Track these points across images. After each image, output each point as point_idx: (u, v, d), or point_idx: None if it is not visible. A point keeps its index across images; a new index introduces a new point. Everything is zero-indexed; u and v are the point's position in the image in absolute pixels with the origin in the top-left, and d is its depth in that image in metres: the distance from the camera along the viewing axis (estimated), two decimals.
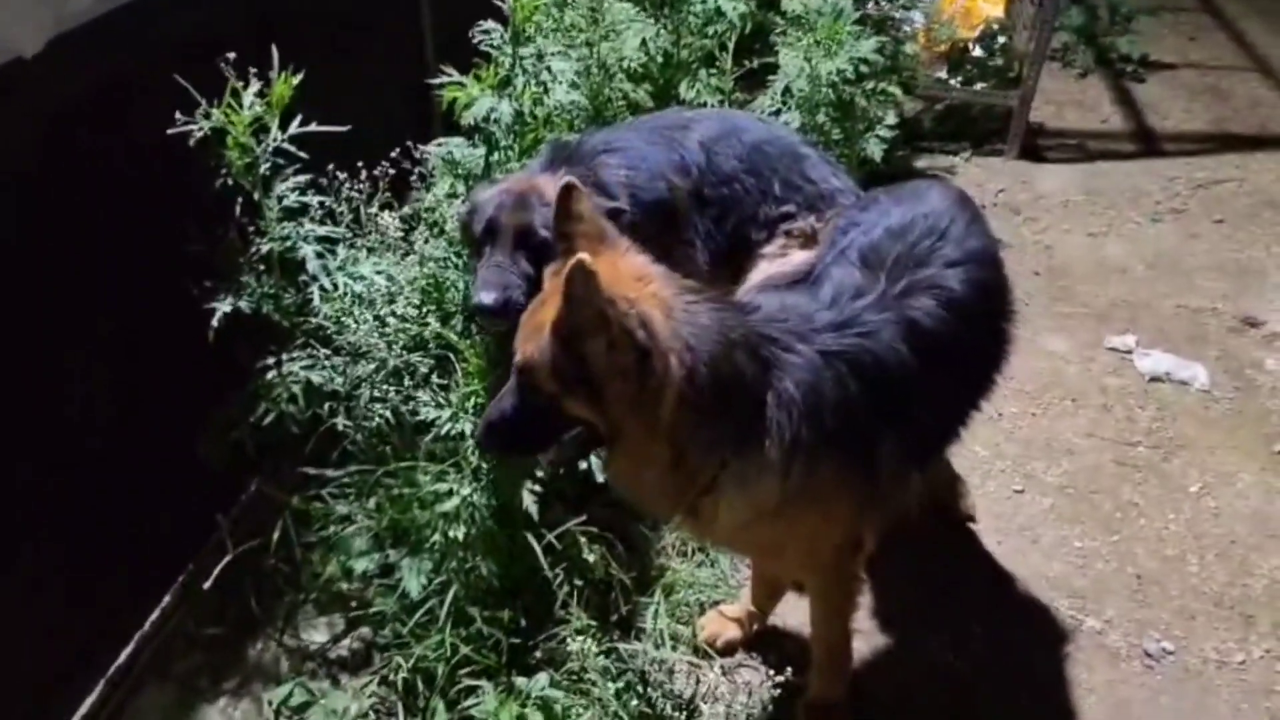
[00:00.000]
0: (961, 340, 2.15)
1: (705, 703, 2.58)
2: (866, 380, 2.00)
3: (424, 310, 2.56)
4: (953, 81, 5.13)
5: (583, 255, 1.64)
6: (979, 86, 5.10)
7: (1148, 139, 5.29)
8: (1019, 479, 3.30)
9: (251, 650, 2.62)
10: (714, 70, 4.23)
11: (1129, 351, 3.81)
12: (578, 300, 1.67)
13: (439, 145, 3.00)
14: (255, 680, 2.56)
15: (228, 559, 2.49)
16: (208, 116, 2.17)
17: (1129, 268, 4.29)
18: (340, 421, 2.57)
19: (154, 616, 2.56)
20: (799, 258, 3.03)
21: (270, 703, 2.47)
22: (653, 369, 1.77)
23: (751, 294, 2.20)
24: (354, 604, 2.64)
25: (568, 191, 1.87)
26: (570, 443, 1.93)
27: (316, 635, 2.67)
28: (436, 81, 3.03)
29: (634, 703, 2.41)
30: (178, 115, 2.13)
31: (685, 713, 2.47)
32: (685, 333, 1.80)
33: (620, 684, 2.44)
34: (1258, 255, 4.37)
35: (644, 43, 3.94)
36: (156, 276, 2.39)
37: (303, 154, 2.30)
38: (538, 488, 2.48)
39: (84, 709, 2.37)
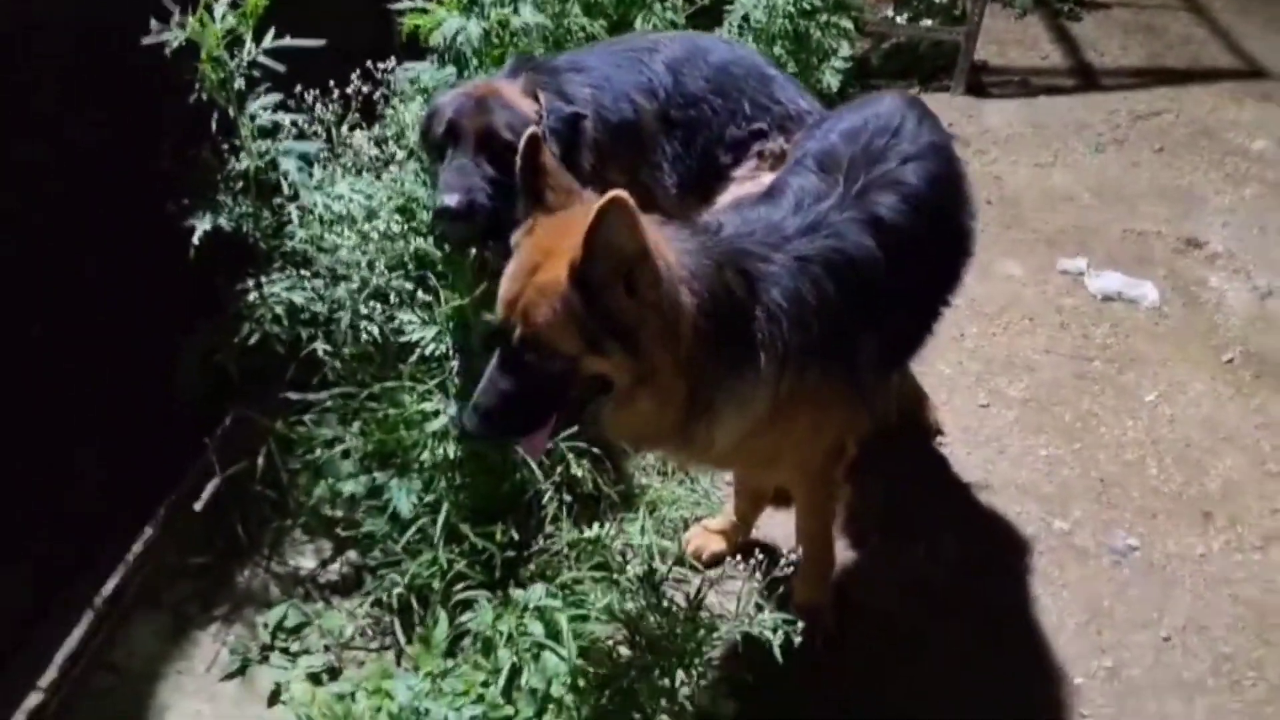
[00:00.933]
0: (925, 233, 2.18)
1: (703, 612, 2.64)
2: (842, 281, 2.01)
3: (404, 229, 2.53)
4: (899, 19, 5.18)
5: (619, 192, 1.58)
6: (925, 23, 5.16)
7: (1087, 74, 5.42)
8: (984, 394, 3.40)
9: (240, 577, 2.60)
10: (666, 4, 4.23)
11: (1081, 273, 3.92)
12: (612, 242, 1.62)
13: (405, 69, 2.96)
14: (246, 606, 2.54)
15: (217, 481, 2.46)
16: (182, 27, 2.11)
17: (1076, 195, 4.40)
18: (320, 345, 2.54)
19: (138, 547, 2.51)
20: (768, 179, 3.06)
21: (265, 625, 2.46)
22: (676, 303, 1.75)
23: (714, 214, 2.16)
24: (341, 528, 2.62)
25: (533, 143, 1.78)
26: (580, 405, 1.85)
27: (304, 560, 2.66)
28: (399, 5, 2.99)
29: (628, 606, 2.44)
30: (153, 24, 2.07)
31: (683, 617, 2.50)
32: (686, 263, 1.79)
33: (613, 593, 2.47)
34: (1196, 181, 4.52)
35: None
36: (129, 196, 2.33)
37: (279, 66, 2.25)
38: None
39: (74, 639, 2.33)
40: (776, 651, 1.84)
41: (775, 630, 1.83)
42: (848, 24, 4.28)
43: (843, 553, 2.81)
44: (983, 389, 3.42)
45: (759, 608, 1.87)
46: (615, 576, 2.49)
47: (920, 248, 2.18)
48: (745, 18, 3.93)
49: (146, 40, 2.07)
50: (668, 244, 1.78)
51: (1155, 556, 2.89)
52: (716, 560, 2.79)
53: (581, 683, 2.13)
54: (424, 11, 3.18)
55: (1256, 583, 2.82)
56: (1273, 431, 3.27)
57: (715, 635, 1.92)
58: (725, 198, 3.05)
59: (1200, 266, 4.00)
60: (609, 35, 3.94)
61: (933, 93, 5.15)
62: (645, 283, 1.68)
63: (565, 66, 2.88)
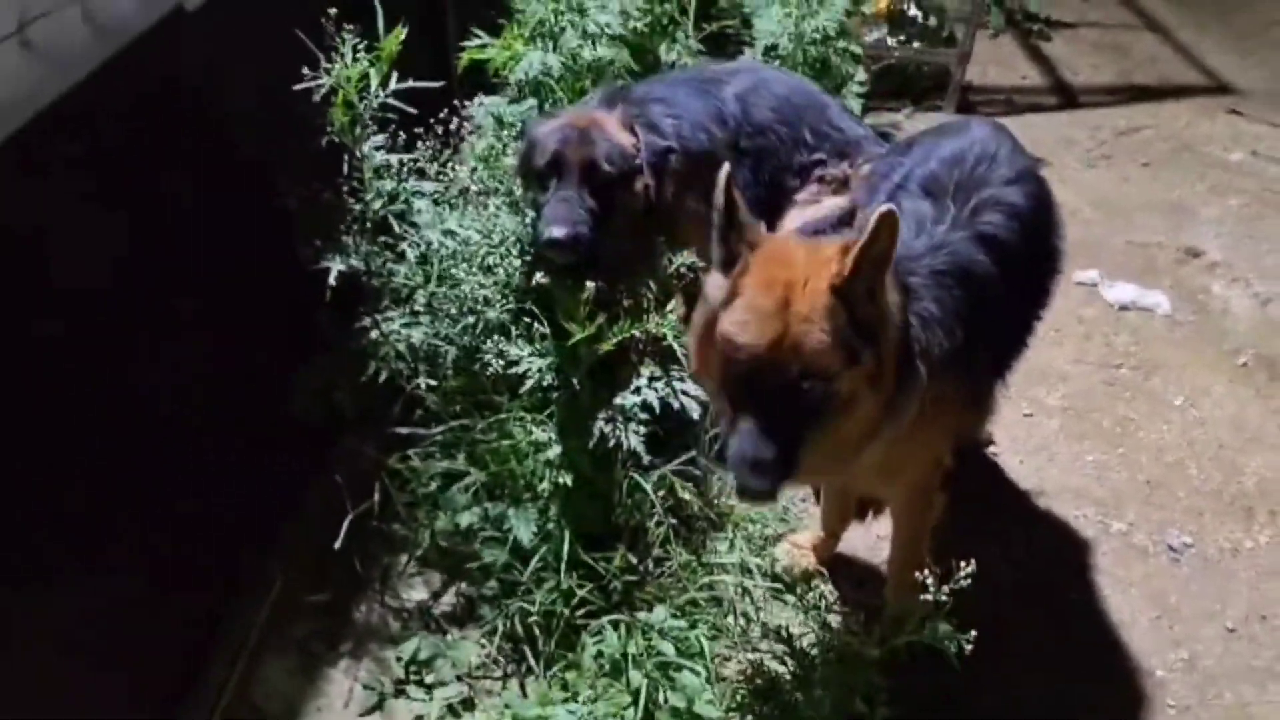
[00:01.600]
0: (1027, 250, 2.34)
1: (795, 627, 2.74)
2: (967, 293, 2.15)
3: (520, 261, 2.59)
4: (893, 42, 5.37)
5: (890, 206, 1.70)
6: (916, 45, 5.36)
7: (1066, 92, 5.68)
8: (1026, 404, 3.56)
9: (358, 613, 2.62)
10: (684, 32, 4.34)
11: (1095, 284, 4.13)
12: (879, 254, 1.74)
13: (480, 103, 3.02)
14: (369, 641, 2.57)
15: (350, 518, 2.47)
16: (328, 73, 2.15)
17: (1077, 209, 4.61)
18: (424, 380, 2.58)
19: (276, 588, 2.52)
20: (831, 202, 3.19)
21: (398, 659, 2.48)
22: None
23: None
24: (453, 559, 2.66)
25: (729, 184, 1.85)
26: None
27: (416, 593, 2.69)
28: (476, 43, 3.05)
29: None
30: (305, 70, 2.11)
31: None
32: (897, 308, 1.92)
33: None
34: (1184, 194, 4.77)
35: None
36: (251, 237, 2.35)
37: (411, 109, 2.30)
38: (642, 429, 2.56)
39: (212, 686, 2.33)
40: (953, 661, 1.93)
41: (950, 640, 1.93)
42: (858, 49, 4.44)
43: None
44: (1024, 399, 3.58)
45: (930, 617, 1.96)
46: (733, 595, 2.60)
47: (1024, 263, 2.35)
48: (771, 47, 4.06)
49: (299, 86, 2.10)
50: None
51: (1209, 552, 3.07)
52: (807, 575, 2.89)
53: (734, 698, 2.21)
54: (483, 46, 3.27)
55: None
56: None
57: (888, 646, 2.01)
58: (789, 221, 3.18)
59: (1202, 275, 4.24)
60: (636, 64, 4.04)
61: (925, 112, 5.35)
62: (882, 287, 1.82)
63: (648, 97, 2.97)
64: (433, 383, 2.60)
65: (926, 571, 1.95)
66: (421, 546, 2.63)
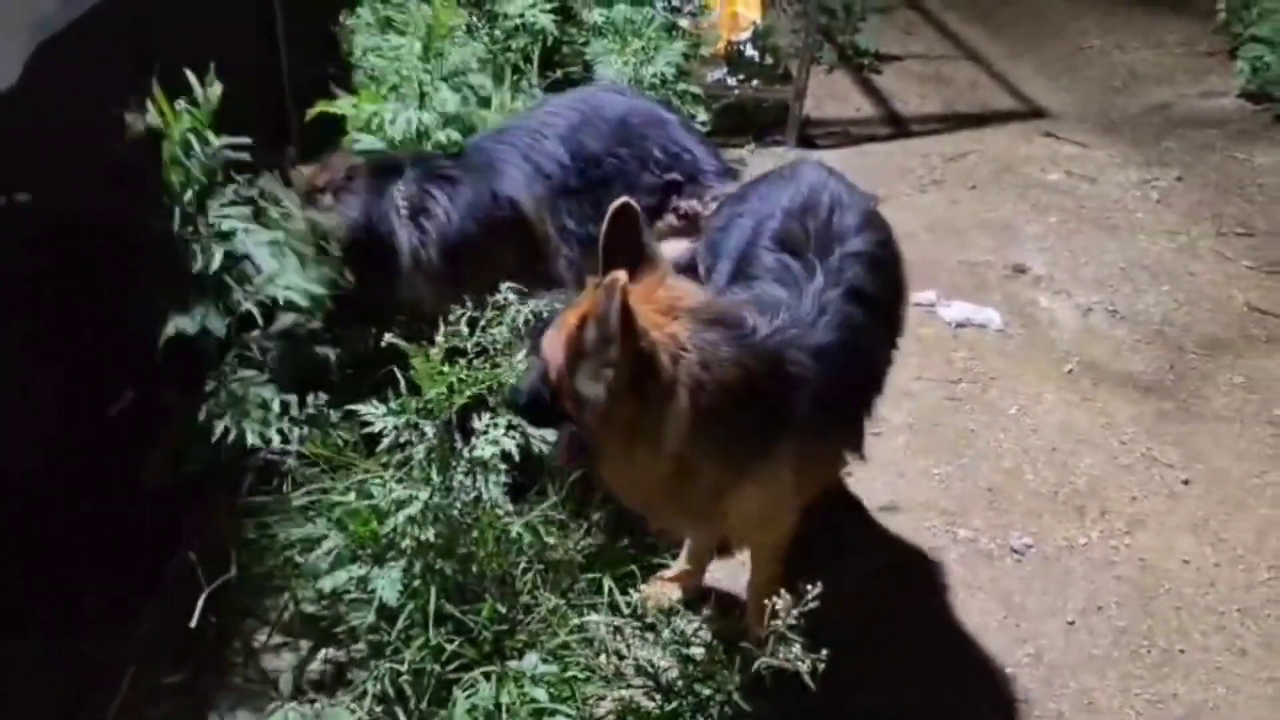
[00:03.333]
0: (885, 293, 2.47)
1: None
2: (853, 356, 2.27)
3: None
4: (731, 81, 5.57)
5: (619, 274, 1.80)
6: (755, 83, 5.57)
7: (897, 122, 5.99)
8: (874, 423, 3.72)
9: (220, 690, 2.55)
10: (523, 80, 4.42)
11: (932, 304, 4.36)
12: (600, 314, 1.85)
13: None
14: (233, 717, 2.50)
15: (205, 594, 2.41)
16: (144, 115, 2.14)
17: (913, 233, 4.86)
18: (275, 440, 2.56)
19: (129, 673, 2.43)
20: (680, 246, 3.27)
21: None
22: (650, 397, 1.97)
23: (745, 301, 2.29)
24: (319, 625, 2.62)
25: (621, 212, 2.00)
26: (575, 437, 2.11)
27: (281, 663, 2.63)
28: (327, 100, 3.06)
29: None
30: (127, 116, 2.09)
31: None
32: (697, 369, 1.99)
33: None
34: (1009, 213, 5.09)
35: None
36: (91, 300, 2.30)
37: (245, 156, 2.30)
38: (504, 479, 2.58)
39: None
40: (809, 680, 2.02)
41: (803, 660, 2.02)
42: (698, 90, 4.60)
43: None
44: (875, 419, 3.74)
45: (784, 640, 2.05)
46: (603, 634, 2.64)
47: (884, 306, 2.48)
48: None
49: (127, 133, 2.08)
50: (681, 350, 1.99)
51: (1048, 551, 3.27)
52: (673, 610, 2.94)
53: None
54: (332, 99, 3.29)
55: (1132, 563, 3.25)
56: (1117, 430, 3.76)
57: (748, 671, 2.08)
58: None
59: (1029, 289, 4.53)
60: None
61: (768, 147, 5.57)
62: (617, 367, 1.92)
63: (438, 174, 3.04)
64: (287, 446, 2.57)
65: (776, 597, 2.03)
66: (285, 614, 2.58)
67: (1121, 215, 5.11)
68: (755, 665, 2.07)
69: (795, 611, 1.97)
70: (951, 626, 3.03)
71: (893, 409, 3.79)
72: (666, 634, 2.59)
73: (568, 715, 2.40)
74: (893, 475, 3.53)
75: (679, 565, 2.98)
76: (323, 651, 2.65)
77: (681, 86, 4.44)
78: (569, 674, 2.50)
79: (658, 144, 3.18)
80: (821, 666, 2.04)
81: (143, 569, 2.58)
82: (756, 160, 5.39)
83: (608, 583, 2.85)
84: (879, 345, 2.44)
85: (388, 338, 2.54)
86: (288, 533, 2.55)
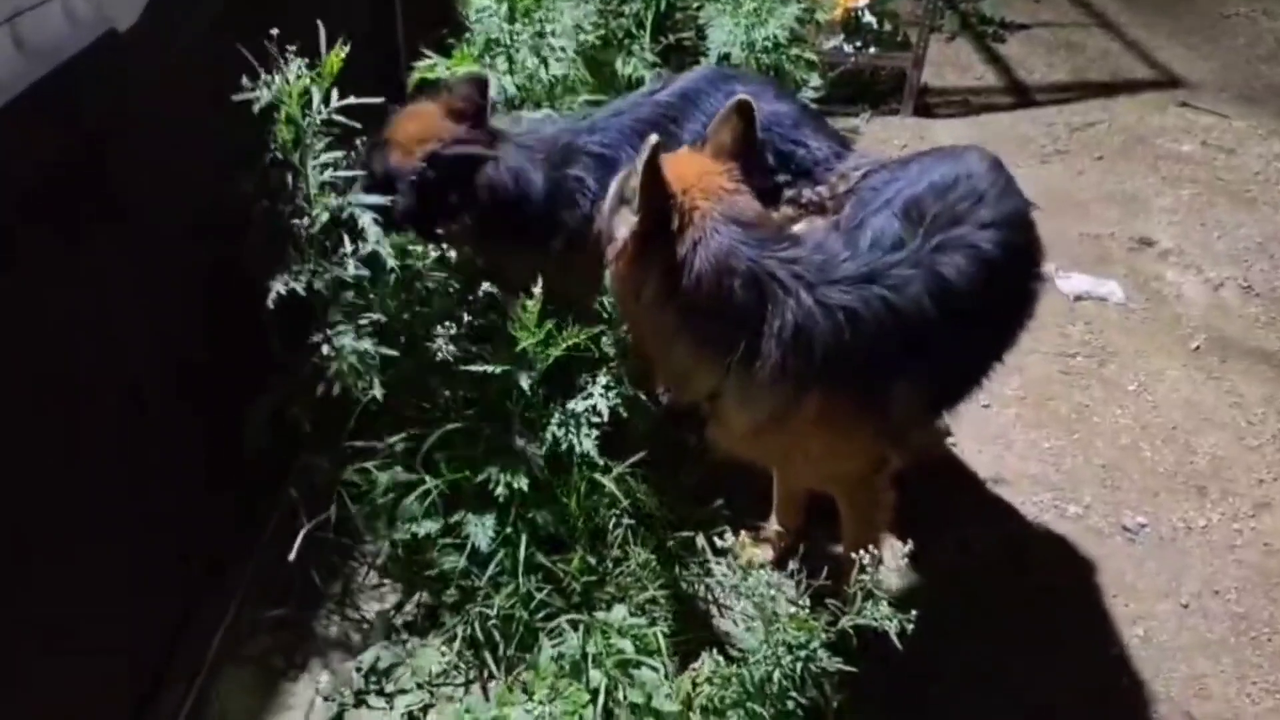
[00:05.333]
0: (989, 297, 2.31)
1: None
2: (876, 328, 2.15)
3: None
4: (848, 48, 5.45)
5: (653, 136, 1.98)
6: (872, 50, 5.44)
7: (1021, 91, 5.75)
8: (983, 395, 3.60)
9: (318, 627, 2.64)
10: (640, 46, 4.40)
11: (1051, 277, 4.19)
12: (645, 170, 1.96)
13: None
14: (329, 654, 2.59)
15: (305, 531, 2.50)
16: (268, 86, 2.19)
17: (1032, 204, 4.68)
18: (377, 391, 2.61)
19: (218, 605, 2.54)
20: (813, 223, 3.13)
21: (359, 669, 2.51)
22: (656, 251, 2.06)
23: (803, 230, 2.33)
24: (413, 569, 2.69)
25: (743, 106, 2.14)
26: None
27: (377, 605, 2.71)
28: (427, 63, 3.10)
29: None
30: (244, 80, 2.16)
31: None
32: (691, 244, 2.05)
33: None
34: (1138, 185, 4.85)
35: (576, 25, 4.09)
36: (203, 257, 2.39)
37: (356, 124, 2.34)
38: (595, 432, 2.59)
39: (168, 704, 2.35)
40: (895, 640, 1.97)
41: (891, 620, 1.97)
42: (812, 56, 4.51)
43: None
44: (982, 391, 3.62)
45: (872, 598, 2.00)
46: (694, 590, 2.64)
47: (983, 310, 2.32)
48: (724, 56, 4.12)
49: (237, 97, 2.15)
50: (711, 219, 2.07)
51: (1164, 531, 3.12)
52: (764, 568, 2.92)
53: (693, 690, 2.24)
54: (433, 66, 3.33)
55: (1255, 547, 3.08)
56: (1246, 410, 3.56)
57: (834, 628, 2.04)
58: None
59: (1155, 263, 4.31)
60: (591, 78, 4.06)
61: (883, 116, 5.42)
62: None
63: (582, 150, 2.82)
64: (383, 393, 2.62)
65: (864, 551, 1.99)
66: (380, 557, 2.65)
67: (1260, 188, 4.81)
68: (840, 623, 2.02)
69: (887, 567, 1.90)
70: (1054, 602, 2.92)
71: (1003, 381, 3.66)
72: (753, 585, 2.55)
73: (653, 668, 2.40)
74: (1000, 448, 3.41)
75: (771, 526, 2.95)
76: (416, 595, 2.71)
77: (795, 52, 4.35)
78: (656, 628, 2.49)
79: (773, 147, 2.93)
80: (910, 627, 1.98)
81: (248, 514, 2.67)
82: (870, 129, 5.28)
83: (700, 541, 2.84)
84: (954, 344, 2.28)
85: (485, 286, 2.58)
86: (389, 477, 2.60)
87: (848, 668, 2.07)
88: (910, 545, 2.08)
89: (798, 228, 2.90)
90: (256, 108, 2.18)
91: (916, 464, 2.73)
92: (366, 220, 2.36)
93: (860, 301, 2.15)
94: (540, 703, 2.28)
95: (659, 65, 4.29)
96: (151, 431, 2.30)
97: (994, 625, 2.84)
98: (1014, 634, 2.82)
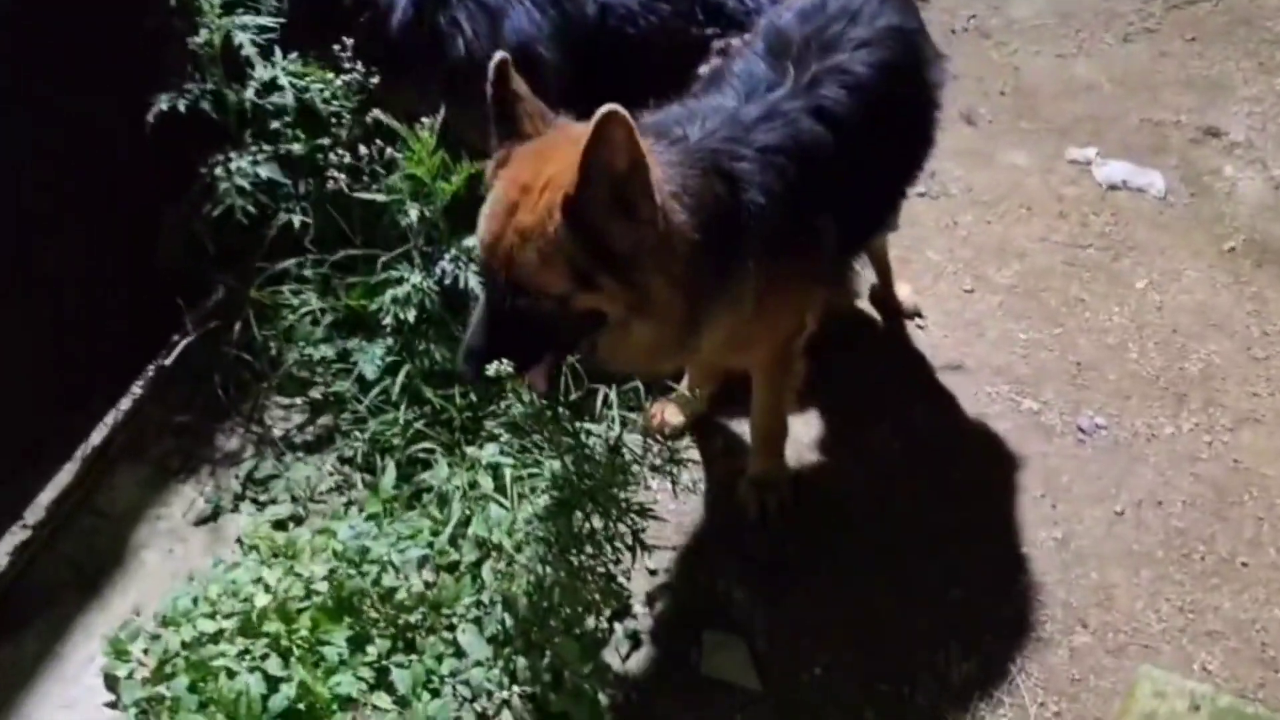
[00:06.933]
0: (875, 123, 2.14)
1: (653, 477, 2.73)
2: (801, 168, 2.02)
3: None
4: None
5: (614, 106, 1.54)
6: None
7: None
8: (969, 279, 3.38)
9: (220, 436, 2.76)
10: None
11: (1089, 163, 3.84)
12: (611, 162, 1.60)
13: None
14: (224, 463, 2.72)
15: (188, 339, 2.61)
16: None
17: (1096, 85, 4.27)
18: (292, 217, 2.65)
19: (126, 403, 2.69)
20: None
21: (237, 476, 2.63)
22: (670, 220, 1.74)
23: (666, 114, 2.05)
24: (310, 390, 2.77)
25: (502, 69, 1.76)
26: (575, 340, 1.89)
27: (282, 423, 2.81)
28: None
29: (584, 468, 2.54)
30: None
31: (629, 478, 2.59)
32: (672, 175, 1.80)
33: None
34: (1228, 70, 4.33)
35: None
36: (103, 74, 2.45)
37: None
38: None
39: (61, 484, 2.53)
40: (672, 487, 1.91)
41: (677, 466, 1.91)
42: None
43: (805, 427, 2.87)
44: (969, 275, 3.39)
45: (672, 454, 1.94)
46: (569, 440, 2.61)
47: (872, 137, 2.15)
48: None
49: None
50: (652, 158, 1.72)
51: (1122, 435, 2.89)
52: (678, 433, 2.86)
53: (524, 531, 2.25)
54: None
55: (1222, 461, 2.81)
56: (1264, 318, 3.21)
57: (632, 473, 2.00)
58: None
59: (1216, 156, 3.88)
60: None
61: None
62: (642, 203, 1.67)
63: None
64: (301, 219, 2.66)
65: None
66: (279, 377, 2.73)
67: None
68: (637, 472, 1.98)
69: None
70: (976, 495, 2.77)
71: (998, 267, 3.42)
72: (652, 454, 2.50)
73: (502, 505, 2.41)
74: (971, 334, 3.20)
75: (683, 389, 2.87)
76: (319, 419, 2.79)
77: None
78: (513, 470, 2.47)
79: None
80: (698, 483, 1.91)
81: (159, 326, 2.78)
82: None
83: (612, 395, 2.80)
84: (852, 175, 2.11)
85: (375, 113, 2.55)
86: (287, 299, 2.66)
87: (659, 517, 2.04)
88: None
89: None
90: None
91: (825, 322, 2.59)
92: (245, 40, 2.36)
93: (785, 140, 2.00)
94: (374, 517, 2.33)
95: None
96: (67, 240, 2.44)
97: (908, 512, 2.72)
98: (926, 523, 2.70)
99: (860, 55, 2.14)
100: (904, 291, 3.18)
